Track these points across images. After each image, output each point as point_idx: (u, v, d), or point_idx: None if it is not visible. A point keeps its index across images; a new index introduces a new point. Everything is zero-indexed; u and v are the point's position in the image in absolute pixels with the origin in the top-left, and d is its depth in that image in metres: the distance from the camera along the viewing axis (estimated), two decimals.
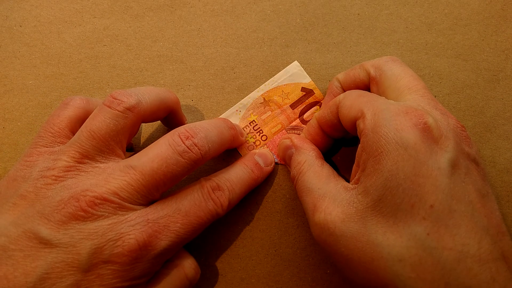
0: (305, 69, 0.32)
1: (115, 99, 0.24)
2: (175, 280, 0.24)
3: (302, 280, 0.27)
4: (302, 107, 0.31)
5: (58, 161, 0.22)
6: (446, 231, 0.19)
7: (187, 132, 0.23)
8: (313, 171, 0.24)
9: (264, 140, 0.30)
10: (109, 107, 0.23)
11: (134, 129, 0.25)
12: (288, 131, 0.30)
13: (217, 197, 0.24)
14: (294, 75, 0.31)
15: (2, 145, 0.30)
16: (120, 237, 0.21)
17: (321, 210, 0.22)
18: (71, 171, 0.22)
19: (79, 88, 0.31)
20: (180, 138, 0.23)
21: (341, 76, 0.28)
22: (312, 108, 0.31)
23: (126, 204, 0.22)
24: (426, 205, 0.19)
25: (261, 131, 0.30)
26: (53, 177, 0.22)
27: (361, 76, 0.27)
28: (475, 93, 0.32)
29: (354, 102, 0.23)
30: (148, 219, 0.22)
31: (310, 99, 0.31)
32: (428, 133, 0.20)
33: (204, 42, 0.33)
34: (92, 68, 0.32)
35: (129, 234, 0.21)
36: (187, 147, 0.23)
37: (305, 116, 0.30)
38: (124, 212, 0.22)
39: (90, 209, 0.21)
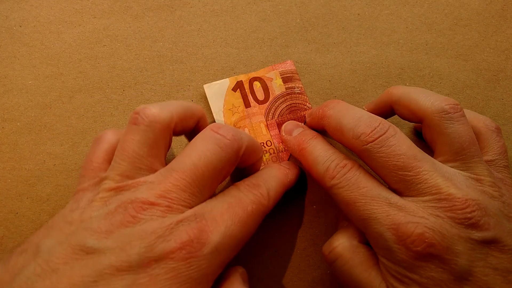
0: (305, 69, 0.32)
1: (139, 114, 0.23)
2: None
3: (302, 281, 0.27)
4: (252, 96, 0.31)
5: (101, 185, 0.22)
6: None
7: (216, 126, 0.23)
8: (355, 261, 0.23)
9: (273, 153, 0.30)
10: (135, 124, 0.23)
11: (166, 140, 0.24)
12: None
13: (255, 189, 0.24)
14: (212, 97, 0.31)
15: (1, 145, 0.30)
16: (171, 233, 0.20)
17: None
18: (114, 190, 0.22)
19: (78, 88, 0.31)
20: (212, 130, 0.23)
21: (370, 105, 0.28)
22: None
23: (174, 205, 0.21)
24: None
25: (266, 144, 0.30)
26: (98, 199, 0.22)
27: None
28: (475, 93, 0.32)
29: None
30: (196, 215, 0.21)
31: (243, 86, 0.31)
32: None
33: (204, 42, 0.33)
34: (91, 68, 0.32)
35: (180, 231, 0.20)
36: (221, 135, 0.23)
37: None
38: (174, 214, 0.21)
39: (138, 214, 0.20)
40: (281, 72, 0.31)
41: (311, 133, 0.27)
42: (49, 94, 0.31)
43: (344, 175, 0.23)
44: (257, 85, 0.31)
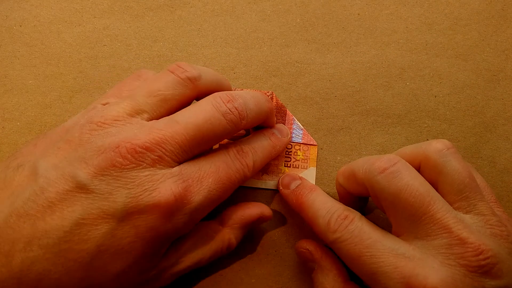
0: (305, 69, 0.32)
1: (180, 67, 0.24)
2: (209, 241, 0.24)
3: (302, 281, 0.27)
4: None
5: (110, 110, 0.23)
6: None
7: (228, 96, 0.24)
8: None
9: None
10: (173, 72, 0.24)
11: (189, 101, 0.25)
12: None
13: (243, 158, 0.24)
14: None
15: (1, 144, 0.30)
16: (157, 188, 0.21)
17: None
18: (119, 121, 0.22)
19: (79, 88, 0.31)
20: (222, 100, 0.23)
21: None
22: None
23: (166, 157, 0.22)
24: None
25: None
26: (99, 123, 0.22)
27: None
28: (475, 93, 0.32)
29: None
30: (183, 173, 0.22)
31: None
32: None
33: (204, 42, 0.33)
34: (92, 68, 0.32)
35: (166, 186, 0.21)
36: (229, 109, 0.23)
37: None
38: (162, 166, 0.21)
39: (129, 156, 0.21)
40: None
41: (309, 186, 0.26)
42: (49, 94, 0.31)
43: (346, 227, 0.22)
44: None
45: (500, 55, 0.32)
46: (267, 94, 0.31)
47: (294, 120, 0.30)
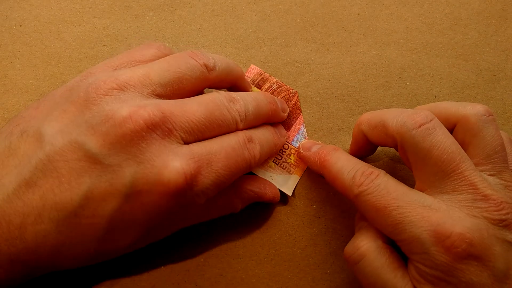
0: (305, 69, 0.32)
1: (197, 55, 0.24)
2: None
3: (302, 280, 0.27)
4: None
5: (121, 74, 0.22)
6: None
7: (230, 95, 0.24)
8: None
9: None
10: (192, 57, 0.24)
11: (201, 88, 0.25)
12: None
13: (252, 148, 0.24)
14: None
15: None
16: (167, 166, 0.20)
17: None
18: (130, 86, 0.22)
19: None
20: (225, 98, 0.24)
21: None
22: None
23: (176, 133, 0.21)
24: None
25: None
26: (109, 87, 0.21)
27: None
28: (475, 93, 0.32)
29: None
30: (193, 153, 0.21)
31: None
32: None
33: (204, 42, 0.33)
34: None
35: (176, 165, 0.20)
36: (236, 110, 0.24)
37: None
38: (172, 141, 0.21)
39: (140, 126, 0.20)
40: (251, 81, 0.31)
41: (332, 146, 0.27)
42: None
43: (372, 181, 0.23)
44: None
45: (500, 55, 0.32)
46: (291, 91, 0.31)
47: (303, 126, 0.30)
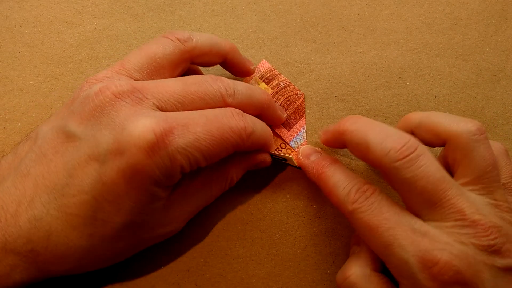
0: (305, 69, 0.32)
1: (171, 32, 0.25)
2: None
3: (302, 280, 0.28)
4: None
5: (101, 72, 0.24)
6: None
7: (216, 76, 0.25)
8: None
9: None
10: (164, 36, 0.25)
11: (180, 63, 0.25)
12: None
13: (241, 119, 0.23)
14: None
15: (2, 145, 0.30)
16: (137, 126, 0.20)
17: None
18: (107, 77, 0.23)
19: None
20: (209, 76, 0.25)
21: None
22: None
23: (147, 100, 0.22)
24: None
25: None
26: (89, 82, 0.24)
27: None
28: (475, 93, 0.32)
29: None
30: (167, 116, 0.21)
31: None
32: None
33: None
34: (92, 68, 0.32)
35: (145, 123, 0.20)
36: (218, 85, 0.24)
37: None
38: (143, 107, 0.22)
39: (110, 95, 0.21)
40: (260, 76, 0.31)
41: (330, 158, 0.27)
42: (50, 94, 0.31)
43: (367, 199, 0.23)
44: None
45: (500, 55, 0.32)
46: (298, 93, 0.31)
47: (304, 128, 0.30)
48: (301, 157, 0.28)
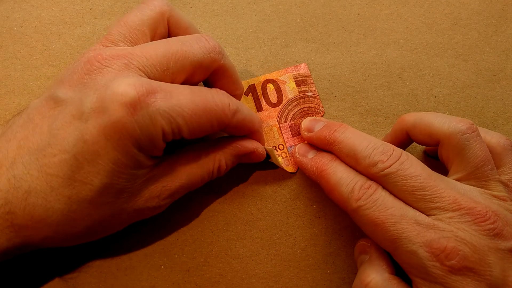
0: None
1: None
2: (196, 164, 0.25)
3: (302, 280, 0.28)
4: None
5: (89, 48, 0.25)
6: None
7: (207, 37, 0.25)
8: None
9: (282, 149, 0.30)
10: (143, 3, 0.26)
11: (159, 25, 0.26)
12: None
13: (226, 98, 0.24)
14: None
15: None
16: (120, 85, 0.21)
17: None
18: (94, 50, 0.24)
19: None
20: (204, 37, 0.25)
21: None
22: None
23: (133, 66, 0.22)
24: None
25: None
26: (78, 57, 0.24)
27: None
28: (475, 93, 0.32)
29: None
30: (151, 82, 0.21)
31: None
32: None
33: None
34: None
35: (129, 82, 0.21)
36: (205, 42, 0.25)
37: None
38: (129, 73, 0.22)
39: (96, 62, 0.22)
40: (294, 75, 0.31)
41: (329, 155, 0.27)
42: None
43: (370, 196, 0.23)
44: (270, 87, 0.31)
45: (500, 55, 0.32)
46: (320, 108, 0.31)
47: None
48: (298, 156, 0.28)
